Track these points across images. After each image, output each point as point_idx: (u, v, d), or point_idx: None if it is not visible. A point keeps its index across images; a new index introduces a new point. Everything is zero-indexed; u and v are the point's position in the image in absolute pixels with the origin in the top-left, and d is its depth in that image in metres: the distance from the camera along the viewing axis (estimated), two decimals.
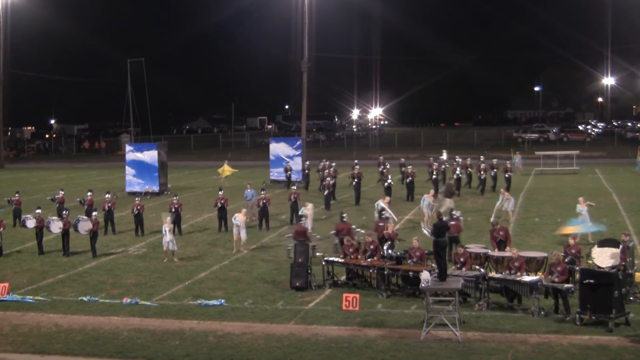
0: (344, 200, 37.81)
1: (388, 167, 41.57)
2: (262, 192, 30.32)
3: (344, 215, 24.11)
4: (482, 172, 38.78)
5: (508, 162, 40.93)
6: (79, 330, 17.57)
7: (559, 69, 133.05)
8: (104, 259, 25.33)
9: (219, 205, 29.72)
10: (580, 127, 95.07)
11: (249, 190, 32.23)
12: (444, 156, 42.93)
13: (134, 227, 29.84)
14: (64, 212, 27.35)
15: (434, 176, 38.47)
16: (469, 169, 40.98)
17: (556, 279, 17.59)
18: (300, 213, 26.90)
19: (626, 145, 69.60)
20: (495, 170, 39.38)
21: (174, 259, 24.71)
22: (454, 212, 24.19)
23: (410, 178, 37.00)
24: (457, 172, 38.96)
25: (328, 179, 36.11)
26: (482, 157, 41.98)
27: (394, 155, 60.01)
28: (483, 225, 28.68)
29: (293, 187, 33.01)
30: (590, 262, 19.03)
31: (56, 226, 26.49)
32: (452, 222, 22.91)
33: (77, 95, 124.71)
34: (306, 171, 44.54)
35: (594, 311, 16.50)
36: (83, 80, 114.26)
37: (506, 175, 38.52)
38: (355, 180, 36.55)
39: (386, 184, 35.66)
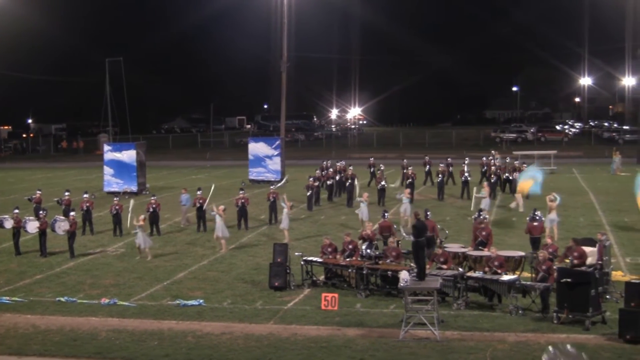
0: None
1: (382, 168, 40.45)
2: (241, 192, 30.19)
3: (387, 213, 23.88)
4: (493, 176, 37.49)
5: (519, 163, 39.65)
6: (56, 331, 17.44)
7: (537, 69, 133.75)
8: (82, 260, 25.17)
9: (198, 205, 29.61)
10: (558, 127, 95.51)
11: (184, 195, 31.25)
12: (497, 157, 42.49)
13: (112, 227, 29.68)
14: (41, 212, 27.08)
15: (438, 177, 37.37)
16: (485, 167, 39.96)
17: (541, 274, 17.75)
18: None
19: (603, 145, 70.16)
20: (516, 172, 37.12)
21: (147, 256, 24.70)
22: (536, 213, 23.29)
23: (410, 180, 36.55)
24: (466, 174, 37.08)
25: (311, 179, 35.81)
26: (511, 159, 41.15)
27: (374, 155, 59.91)
28: (461, 225, 28.81)
29: (272, 187, 32.86)
30: (567, 260, 19.18)
31: (32, 226, 26.28)
32: (535, 223, 22.73)
33: (55, 94, 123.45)
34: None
35: (571, 310, 16.64)
36: (61, 79, 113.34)
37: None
38: (349, 181, 36.24)
39: (379, 186, 35.44)
